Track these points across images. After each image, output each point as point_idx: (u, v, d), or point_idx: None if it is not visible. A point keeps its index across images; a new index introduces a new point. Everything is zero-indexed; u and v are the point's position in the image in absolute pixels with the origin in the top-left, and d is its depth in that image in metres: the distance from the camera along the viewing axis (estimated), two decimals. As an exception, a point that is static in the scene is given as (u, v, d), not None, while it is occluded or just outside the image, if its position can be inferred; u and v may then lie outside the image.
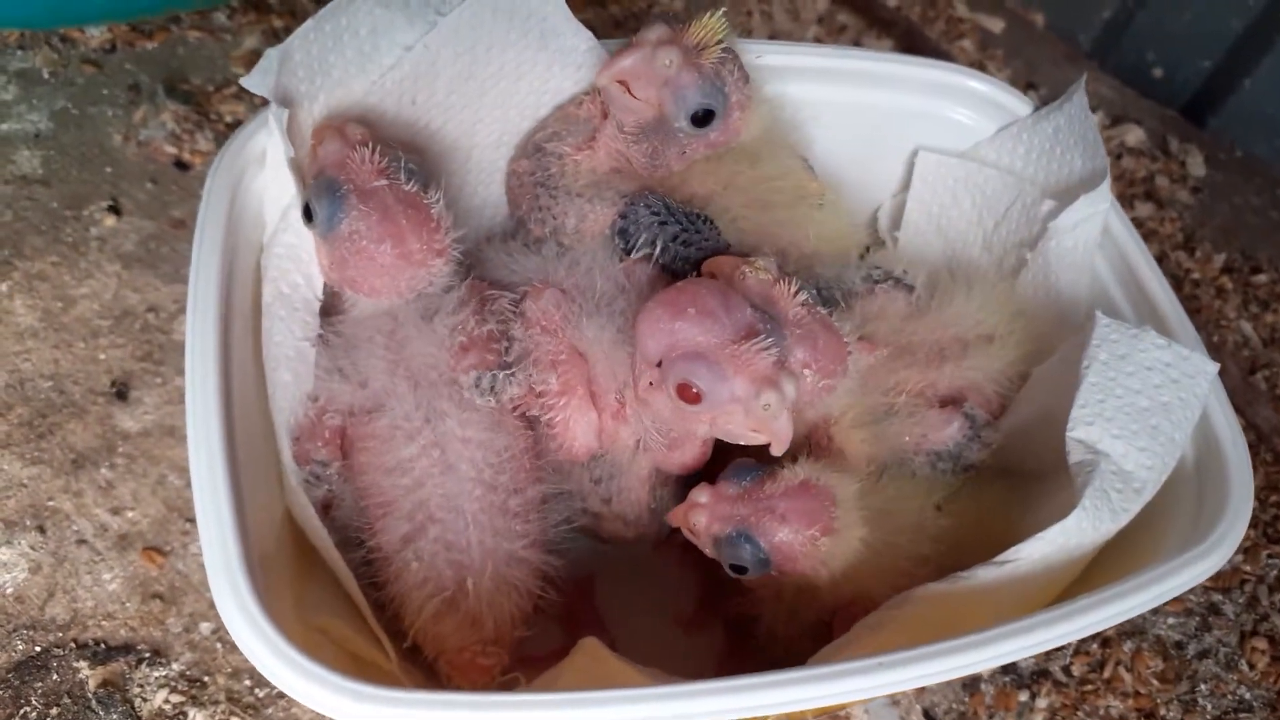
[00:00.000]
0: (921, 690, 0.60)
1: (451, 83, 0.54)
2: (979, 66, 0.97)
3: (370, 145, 0.46)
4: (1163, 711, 0.61)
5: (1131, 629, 0.65)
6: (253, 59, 0.82)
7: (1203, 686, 0.63)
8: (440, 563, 0.47)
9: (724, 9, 0.52)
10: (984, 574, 0.45)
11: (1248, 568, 0.68)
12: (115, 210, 0.73)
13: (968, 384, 0.55)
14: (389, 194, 0.46)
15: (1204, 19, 0.96)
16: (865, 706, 0.59)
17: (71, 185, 0.74)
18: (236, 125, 0.78)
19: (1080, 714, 0.61)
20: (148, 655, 0.56)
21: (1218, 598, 0.67)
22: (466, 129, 0.56)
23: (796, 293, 0.47)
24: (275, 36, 0.85)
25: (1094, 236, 0.57)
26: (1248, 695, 0.63)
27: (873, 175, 0.66)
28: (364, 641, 0.47)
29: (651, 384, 0.46)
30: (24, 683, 0.54)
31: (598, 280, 0.52)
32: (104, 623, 0.57)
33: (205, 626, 0.57)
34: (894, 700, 0.60)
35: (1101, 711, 0.61)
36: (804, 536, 0.46)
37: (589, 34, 0.56)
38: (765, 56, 0.58)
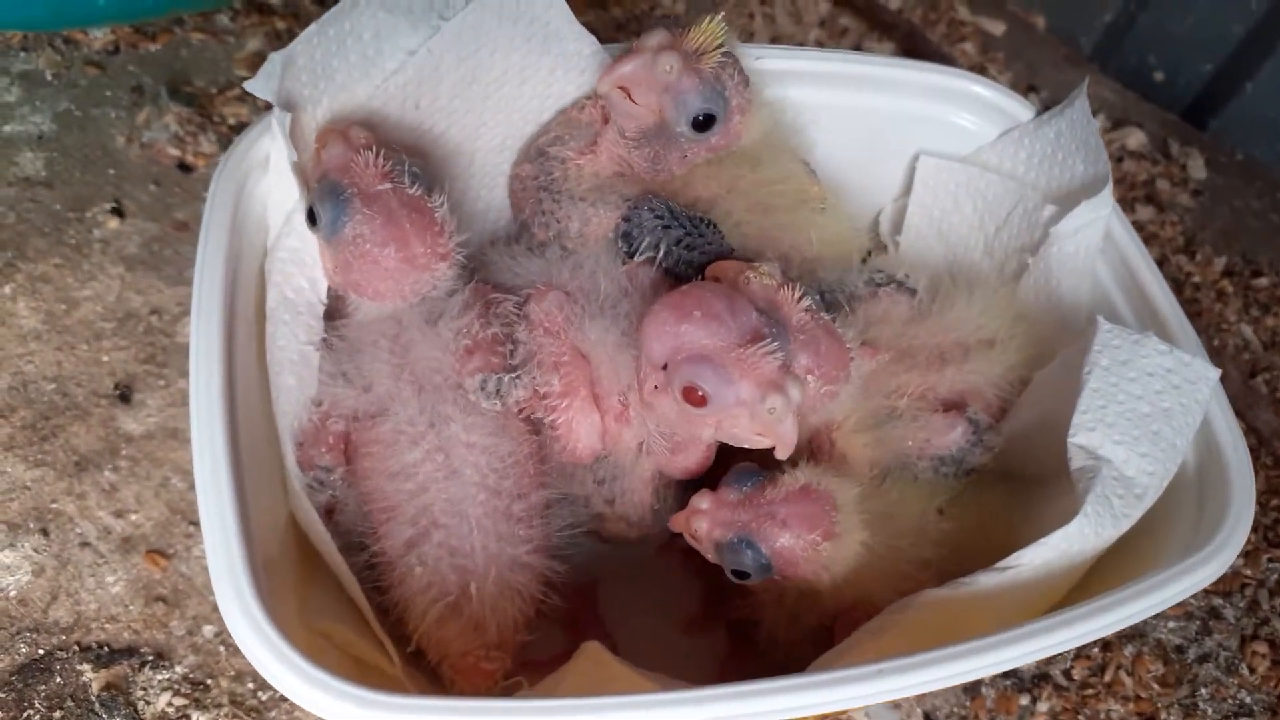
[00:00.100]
0: (923, 694, 0.60)
1: (455, 87, 0.54)
2: (980, 69, 0.97)
3: (374, 149, 0.46)
4: (1163, 715, 0.61)
5: (1132, 633, 0.65)
6: (256, 61, 0.82)
7: (1203, 690, 0.63)
8: (444, 567, 0.47)
9: (724, 12, 0.52)
10: (985, 579, 0.45)
11: (1248, 572, 0.68)
12: (118, 212, 0.73)
13: (968, 388, 0.55)
14: (393, 198, 0.46)
15: (1205, 22, 0.96)
16: (866, 710, 0.59)
17: (74, 187, 0.74)
18: (239, 127, 0.79)
19: (1081, 718, 0.61)
20: (151, 658, 0.56)
21: (1218, 602, 0.67)
22: (470, 133, 0.57)
23: (800, 298, 0.47)
24: (278, 39, 0.85)
25: (1095, 242, 0.57)
26: (1248, 699, 0.63)
27: (874, 179, 0.66)
28: (367, 646, 0.47)
29: (657, 387, 0.46)
30: (27, 685, 0.54)
31: (601, 283, 0.52)
32: (107, 625, 0.57)
33: (208, 629, 0.57)
34: (895, 704, 0.60)
35: (1102, 715, 0.61)
36: (805, 541, 0.46)
37: (592, 38, 0.56)
38: (765, 60, 0.58)
